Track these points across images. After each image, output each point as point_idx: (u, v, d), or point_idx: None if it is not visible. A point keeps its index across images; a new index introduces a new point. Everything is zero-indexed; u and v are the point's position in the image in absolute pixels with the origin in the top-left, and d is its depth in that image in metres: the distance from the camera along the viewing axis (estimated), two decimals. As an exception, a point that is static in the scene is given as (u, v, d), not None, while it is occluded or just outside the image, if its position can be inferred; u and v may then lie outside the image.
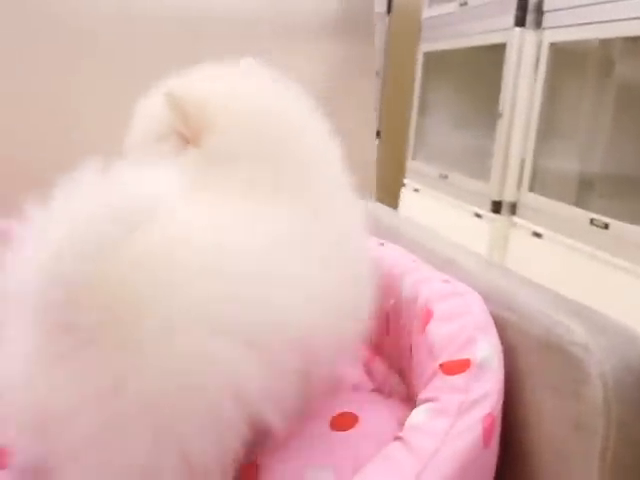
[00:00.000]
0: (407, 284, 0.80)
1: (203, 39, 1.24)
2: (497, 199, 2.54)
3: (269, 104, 0.74)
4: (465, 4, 2.87)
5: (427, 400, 0.63)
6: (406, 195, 3.22)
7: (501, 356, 0.66)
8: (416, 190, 3.19)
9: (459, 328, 0.67)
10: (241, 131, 0.70)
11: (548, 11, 2.18)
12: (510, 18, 2.50)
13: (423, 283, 0.78)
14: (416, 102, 3.35)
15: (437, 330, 0.69)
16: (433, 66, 3.31)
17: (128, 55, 1.22)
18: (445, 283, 0.76)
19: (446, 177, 3.12)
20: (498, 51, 2.57)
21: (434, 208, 3.01)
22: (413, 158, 3.23)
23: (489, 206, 2.58)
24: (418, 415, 0.62)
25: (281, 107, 0.74)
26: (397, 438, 0.60)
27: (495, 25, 2.61)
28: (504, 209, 2.54)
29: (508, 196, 2.53)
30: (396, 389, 0.82)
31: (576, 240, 1.89)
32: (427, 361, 0.68)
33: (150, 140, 0.72)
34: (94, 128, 1.12)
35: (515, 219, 2.38)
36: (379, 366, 0.89)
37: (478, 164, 2.81)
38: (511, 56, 2.50)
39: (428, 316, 0.71)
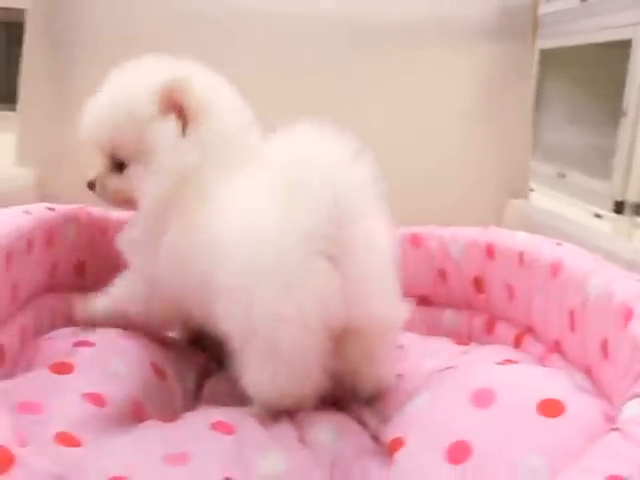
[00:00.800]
0: (596, 283, 0.83)
1: (364, 45, 1.30)
2: (620, 199, 2.50)
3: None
4: (586, 0, 2.82)
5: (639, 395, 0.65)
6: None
7: None
8: (531, 190, 3.16)
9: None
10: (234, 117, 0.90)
11: (675, 6, 2.13)
12: (636, 13, 2.45)
13: (615, 282, 0.80)
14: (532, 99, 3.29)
15: (641, 328, 0.71)
16: (550, 63, 3.26)
17: (290, 57, 1.28)
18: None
19: (564, 176, 3.08)
20: (622, 47, 2.52)
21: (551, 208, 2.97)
22: (529, 157, 3.18)
23: (611, 206, 2.53)
24: (632, 408, 0.64)
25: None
26: (614, 429, 0.63)
27: (619, 21, 2.56)
28: (627, 209, 2.49)
29: (632, 196, 2.49)
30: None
31: None
32: (632, 357, 0.70)
33: (142, 116, 0.86)
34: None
35: (639, 220, 2.33)
36: (557, 363, 0.91)
37: (598, 163, 2.76)
38: (637, 53, 2.45)
39: (629, 314, 0.74)
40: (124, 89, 0.87)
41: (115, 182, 0.91)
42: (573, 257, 0.91)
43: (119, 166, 0.90)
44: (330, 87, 1.30)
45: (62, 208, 1.04)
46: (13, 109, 1.29)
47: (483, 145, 1.36)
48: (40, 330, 1.00)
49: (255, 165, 0.83)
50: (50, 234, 1.00)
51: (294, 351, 0.77)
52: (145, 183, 0.87)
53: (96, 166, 0.92)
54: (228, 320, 0.81)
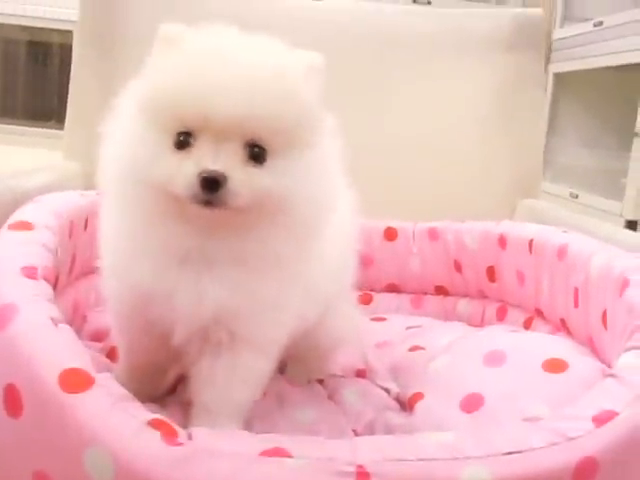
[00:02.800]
0: (598, 261, 0.92)
1: (389, 54, 1.42)
2: (632, 218, 2.55)
3: None
4: (600, 24, 2.89)
5: (633, 348, 0.74)
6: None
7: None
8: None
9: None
10: None
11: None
12: (649, 37, 2.51)
13: (616, 259, 0.89)
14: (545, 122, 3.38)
15: (636, 293, 0.80)
16: (564, 87, 3.35)
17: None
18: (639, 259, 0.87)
19: (576, 197, 3.15)
20: (635, 71, 2.59)
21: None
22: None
23: (622, 225, 2.58)
24: (627, 358, 0.73)
25: None
26: (608, 375, 0.72)
27: (633, 44, 2.62)
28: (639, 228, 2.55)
29: (643, 215, 2.54)
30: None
31: None
32: (627, 320, 0.79)
33: (308, 95, 0.68)
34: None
35: (651, 238, 2.38)
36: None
37: (610, 184, 2.82)
38: (650, 75, 2.51)
39: (625, 284, 0.83)
40: (280, 59, 0.66)
41: (256, 177, 0.64)
42: (578, 241, 1.00)
43: (256, 157, 0.64)
44: (357, 93, 1.41)
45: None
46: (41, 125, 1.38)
47: (497, 147, 1.46)
48: (87, 307, 1.09)
49: None
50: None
51: None
52: (302, 180, 0.66)
53: (209, 156, 0.62)
54: None
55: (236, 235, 0.66)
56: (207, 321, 0.69)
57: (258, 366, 0.74)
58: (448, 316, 1.26)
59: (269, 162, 0.64)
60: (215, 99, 0.62)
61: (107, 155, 0.69)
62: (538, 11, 1.50)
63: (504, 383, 0.80)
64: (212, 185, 0.61)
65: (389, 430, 0.82)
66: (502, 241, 1.17)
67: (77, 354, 0.64)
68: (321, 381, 0.96)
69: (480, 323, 1.21)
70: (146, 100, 0.66)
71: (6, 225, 0.80)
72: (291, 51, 0.68)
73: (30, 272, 0.71)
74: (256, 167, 0.64)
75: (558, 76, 3.28)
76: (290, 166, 0.65)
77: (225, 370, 0.72)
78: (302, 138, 0.66)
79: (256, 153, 0.64)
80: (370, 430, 0.83)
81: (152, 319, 0.71)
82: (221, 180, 0.61)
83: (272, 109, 0.63)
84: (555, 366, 0.80)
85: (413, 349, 1.03)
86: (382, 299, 1.31)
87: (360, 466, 0.58)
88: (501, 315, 1.20)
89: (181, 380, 0.85)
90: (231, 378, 0.73)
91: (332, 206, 0.70)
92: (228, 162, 0.62)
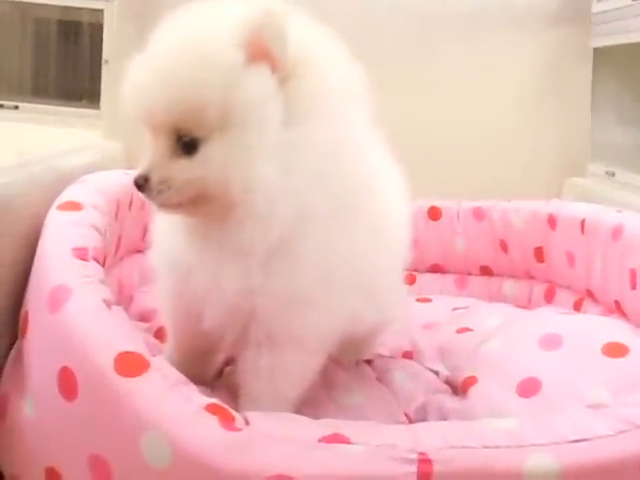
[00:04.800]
0: (656, 241, 0.89)
1: (434, 34, 1.39)
2: (670, 195, 2.50)
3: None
4: (638, -1, 2.82)
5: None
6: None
7: None
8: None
9: None
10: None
11: None
12: (688, 10, 2.45)
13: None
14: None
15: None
16: (601, 62, 3.27)
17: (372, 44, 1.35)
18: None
19: (613, 174, 3.09)
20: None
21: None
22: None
23: (661, 202, 2.53)
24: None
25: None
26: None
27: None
28: (678, 205, 2.49)
29: (682, 192, 2.48)
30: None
31: None
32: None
33: (226, 69, 0.60)
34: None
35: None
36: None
37: (649, 161, 2.76)
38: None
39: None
40: (195, 34, 0.61)
41: (185, 170, 0.61)
42: (634, 221, 0.97)
43: (187, 148, 0.61)
44: (400, 71, 1.38)
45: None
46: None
47: (543, 124, 1.43)
48: (132, 288, 1.08)
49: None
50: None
51: None
52: (240, 164, 0.60)
53: (148, 154, 0.63)
54: None
55: (220, 227, 0.64)
56: (229, 306, 0.67)
57: (302, 363, 0.72)
58: (493, 297, 1.23)
59: (202, 150, 0.61)
60: (135, 99, 0.62)
61: None
62: (581, -16, 1.46)
63: (562, 367, 0.78)
64: (138, 187, 0.62)
65: (442, 415, 0.80)
66: (552, 221, 1.14)
67: (132, 337, 0.63)
68: (369, 362, 0.94)
69: (527, 304, 1.18)
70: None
71: (54, 205, 0.79)
72: (235, 14, 0.61)
73: (81, 253, 0.70)
74: (187, 158, 0.61)
75: (597, 51, 3.21)
76: (226, 149, 0.60)
77: (267, 366, 0.70)
78: (238, 116, 0.60)
79: (186, 143, 0.61)
80: (423, 414, 0.82)
81: (183, 301, 0.71)
82: (141, 182, 0.62)
83: (187, 97, 0.59)
84: (615, 350, 0.78)
85: (461, 331, 1.01)
86: (426, 279, 1.29)
87: (422, 453, 0.56)
88: (549, 296, 1.17)
89: (229, 363, 0.84)
90: (274, 374, 0.71)
91: (324, 180, 0.64)
92: (156, 160, 0.62)
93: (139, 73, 0.62)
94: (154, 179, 0.61)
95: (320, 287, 0.67)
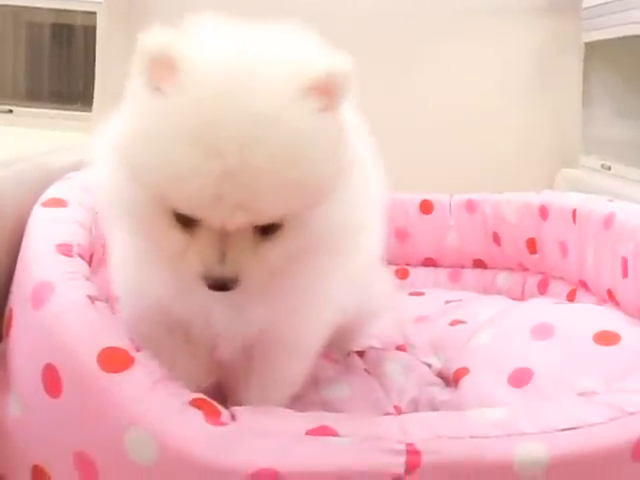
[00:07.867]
0: (647, 229, 0.88)
1: (423, 22, 1.38)
2: (666, 189, 2.50)
3: None
4: (631, -10, 2.82)
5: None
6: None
7: None
8: (572, 180, 3.18)
9: None
10: None
11: None
12: (683, 3, 2.45)
13: (667, 226, 0.85)
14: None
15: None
16: (594, 56, 3.27)
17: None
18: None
19: (609, 168, 3.09)
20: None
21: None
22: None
23: (657, 197, 2.53)
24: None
25: None
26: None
27: (665, 11, 2.56)
28: (673, 199, 2.49)
29: (678, 186, 2.48)
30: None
31: None
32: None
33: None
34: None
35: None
36: (610, 310, 0.97)
37: (643, 155, 2.76)
38: (684, 42, 2.44)
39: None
40: (279, 117, 0.50)
41: (271, 254, 0.54)
42: (625, 210, 0.96)
43: (267, 229, 0.53)
44: (388, 60, 1.38)
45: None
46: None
47: (535, 114, 1.43)
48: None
49: None
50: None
51: None
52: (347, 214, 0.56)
53: (226, 251, 0.53)
54: None
55: None
56: (253, 335, 0.65)
57: (293, 369, 0.71)
58: (487, 290, 1.23)
59: (287, 229, 0.53)
60: (210, 202, 0.50)
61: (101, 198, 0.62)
62: (573, -26, 1.46)
63: (554, 357, 0.77)
64: (222, 288, 0.53)
65: (434, 407, 0.80)
66: (543, 211, 1.13)
67: (116, 332, 0.62)
68: (361, 354, 0.93)
69: (521, 296, 1.18)
70: (131, 166, 0.54)
71: (39, 202, 0.79)
72: (302, 75, 0.52)
73: (65, 249, 0.70)
74: (267, 240, 0.54)
75: (588, 45, 3.21)
76: (308, 224, 0.53)
77: (259, 373, 0.69)
78: (318, 198, 0.53)
79: (268, 226, 0.53)
80: (414, 407, 0.81)
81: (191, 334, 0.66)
82: (231, 285, 0.53)
83: (279, 189, 0.50)
84: (607, 338, 0.77)
85: (454, 323, 1.01)
86: (419, 273, 1.29)
87: (410, 444, 0.55)
88: (543, 287, 1.16)
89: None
90: (265, 381, 0.70)
91: (358, 229, 0.60)
92: (239, 256, 0.52)
93: (211, 163, 0.49)
94: (247, 277, 0.53)
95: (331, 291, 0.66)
